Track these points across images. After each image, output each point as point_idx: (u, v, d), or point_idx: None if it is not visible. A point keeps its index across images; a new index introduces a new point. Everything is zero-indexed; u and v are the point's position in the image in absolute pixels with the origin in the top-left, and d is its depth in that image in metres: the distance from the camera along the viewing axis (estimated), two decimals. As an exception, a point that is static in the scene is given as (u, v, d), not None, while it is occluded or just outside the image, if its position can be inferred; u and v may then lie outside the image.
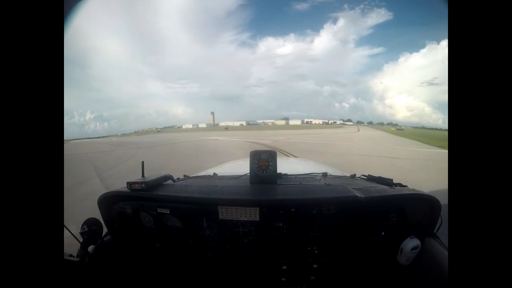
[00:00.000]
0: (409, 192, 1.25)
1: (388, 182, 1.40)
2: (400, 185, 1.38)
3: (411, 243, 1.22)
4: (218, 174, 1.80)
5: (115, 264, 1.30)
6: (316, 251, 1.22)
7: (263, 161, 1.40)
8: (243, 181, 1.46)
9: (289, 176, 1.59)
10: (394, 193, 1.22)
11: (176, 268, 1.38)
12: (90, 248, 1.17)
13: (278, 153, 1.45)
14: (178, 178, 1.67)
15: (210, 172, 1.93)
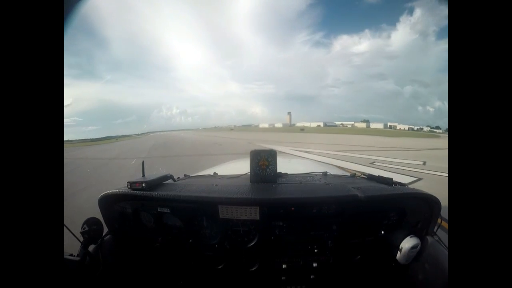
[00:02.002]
0: (409, 191, 1.25)
1: (388, 182, 1.40)
2: (400, 184, 1.39)
3: (410, 242, 1.22)
4: (218, 174, 1.80)
5: (116, 264, 1.30)
6: (316, 250, 1.23)
7: (263, 160, 1.40)
8: (243, 180, 1.46)
9: (289, 175, 1.59)
10: (394, 192, 1.22)
11: (176, 268, 1.38)
12: (91, 247, 1.18)
13: (278, 152, 1.45)
14: (178, 178, 1.67)
15: (210, 171, 1.93)
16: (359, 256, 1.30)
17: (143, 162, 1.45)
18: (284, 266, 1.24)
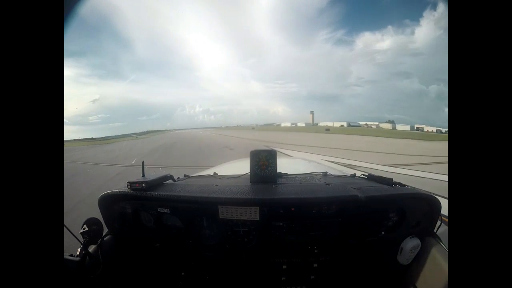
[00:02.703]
0: (409, 192, 1.25)
1: (388, 182, 1.40)
2: (400, 184, 1.39)
3: (411, 242, 1.22)
4: (218, 174, 1.80)
5: (116, 264, 1.30)
6: (316, 251, 1.22)
7: (263, 160, 1.40)
8: (243, 181, 1.46)
9: (289, 176, 1.59)
10: (394, 193, 1.22)
11: (176, 268, 1.38)
12: (91, 247, 1.17)
13: (278, 152, 1.45)
14: (178, 178, 1.67)
15: (210, 171, 1.93)
16: (360, 257, 1.29)
17: (143, 162, 1.45)
18: (284, 266, 1.23)
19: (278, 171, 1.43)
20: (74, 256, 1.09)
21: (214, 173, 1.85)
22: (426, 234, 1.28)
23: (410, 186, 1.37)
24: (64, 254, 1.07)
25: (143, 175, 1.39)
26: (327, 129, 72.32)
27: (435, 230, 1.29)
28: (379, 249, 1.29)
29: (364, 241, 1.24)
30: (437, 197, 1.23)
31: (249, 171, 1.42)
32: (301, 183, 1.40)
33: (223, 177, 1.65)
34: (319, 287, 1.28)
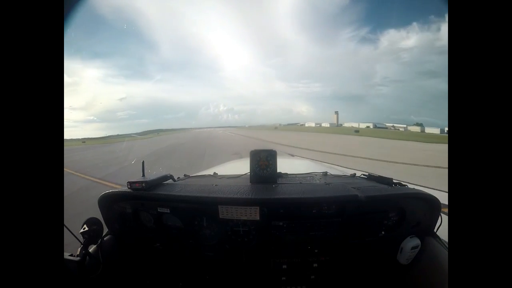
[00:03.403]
0: (409, 192, 1.25)
1: (388, 182, 1.40)
2: (400, 184, 1.39)
3: (411, 242, 1.22)
4: (218, 174, 1.80)
5: (116, 264, 1.30)
6: (316, 251, 1.23)
7: (263, 160, 1.40)
8: (243, 181, 1.46)
9: (289, 176, 1.59)
10: (394, 192, 1.22)
11: (176, 268, 1.38)
12: (91, 247, 1.18)
13: (278, 152, 1.45)
14: (178, 178, 1.67)
15: (210, 171, 1.93)
16: (360, 257, 1.30)
17: (143, 162, 1.45)
18: (284, 266, 1.23)
19: (278, 171, 1.43)
20: (74, 256, 1.09)
21: (214, 173, 1.85)
22: (426, 234, 1.28)
23: (410, 186, 1.37)
24: (64, 254, 1.07)
25: (143, 175, 1.39)
26: (357, 131, 64.27)
27: (435, 230, 1.29)
28: (379, 249, 1.29)
29: (364, 241, 1.24)
30: (436, 196, 1.23)
31: (249, 171, 1.42)
32: (301, 183, 1.40)
33: (223, 177, 1.65)
34: (319, 287, 1.28)
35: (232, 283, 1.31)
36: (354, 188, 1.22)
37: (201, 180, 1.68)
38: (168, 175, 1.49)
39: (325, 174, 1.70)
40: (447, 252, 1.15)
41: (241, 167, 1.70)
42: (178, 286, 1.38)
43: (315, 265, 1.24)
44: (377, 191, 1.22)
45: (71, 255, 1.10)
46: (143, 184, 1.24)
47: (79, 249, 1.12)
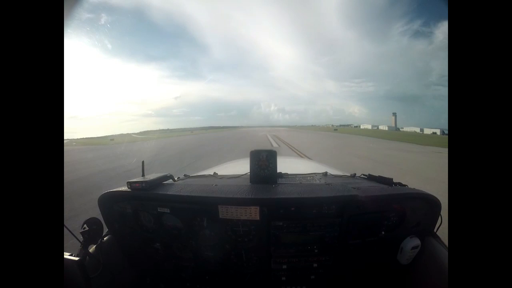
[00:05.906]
0: (409, 191, 1.25)
1: (388, 182, 1.40)
2: (400, 184, 1.39)
3: (411, 242, 1.22)
4: (218, 174, 1.80)
5: (116, 264, 1.30)
6: (316, 251, 1.22)
7: (263, 160, 1.40)
8: (243, 181, 1.46)
9: (289, 176, 1.59)
10: (394, 192, 1.22)
11: (176, 268, 1.38)
12: (91, 247, 1.18)
13: (278, 152, 1.45)
14: (178, 178, 1.67)
15: (210, 171, 1.93)
16: (360, 257, 1.29)
17: (143, 162, 1.45)
18: (284, 266, 1.23)
19: (278, 171, 1.43)
20: (74, 256, 1.09)
21: (214, 173, 1.85)
22: (426, 234, 1.28)
23: (410, 186, 1.37)
24: (64, 254, 1.07)
25: (143, 175, 1.39)
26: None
27: (435, 230, 1.29)
28: (379, 249, 1.29)
29: (364, 241, 1.24)
30: (436, 196, 1.22)
31: (249, 171, 1.42)
32: (301, 183, 1.40)
33: (223, 177, 1.65)
34: (319, 287, 1.28)
35: (232, 283, 1.31)
36: (354, 188, 1.21)
37: (201, 180, 1.68)
38: (168, 174, 1.49)
39: (325, 174, 1.70)
40: (447, 252, 1.15)
41: (241, 167, 1.70)
42: (178, 286, 1.38)
43: (315, 265, 1.24)
44: (377, 191, 1.22)
45: (71, 255, 1.10)
46: (143, 184, 1.24)
47: (79, 249, 1.12)
